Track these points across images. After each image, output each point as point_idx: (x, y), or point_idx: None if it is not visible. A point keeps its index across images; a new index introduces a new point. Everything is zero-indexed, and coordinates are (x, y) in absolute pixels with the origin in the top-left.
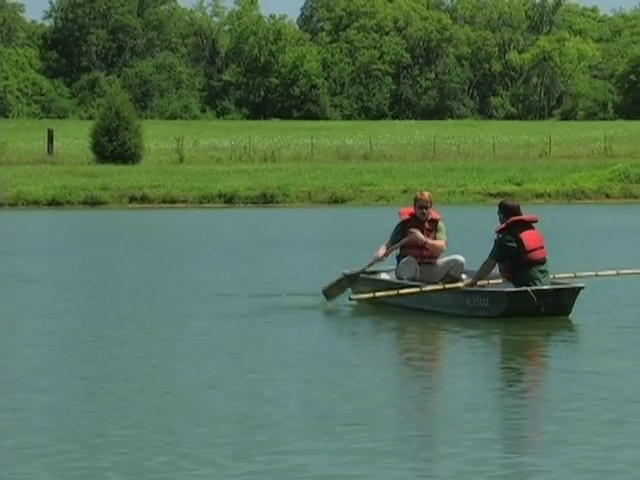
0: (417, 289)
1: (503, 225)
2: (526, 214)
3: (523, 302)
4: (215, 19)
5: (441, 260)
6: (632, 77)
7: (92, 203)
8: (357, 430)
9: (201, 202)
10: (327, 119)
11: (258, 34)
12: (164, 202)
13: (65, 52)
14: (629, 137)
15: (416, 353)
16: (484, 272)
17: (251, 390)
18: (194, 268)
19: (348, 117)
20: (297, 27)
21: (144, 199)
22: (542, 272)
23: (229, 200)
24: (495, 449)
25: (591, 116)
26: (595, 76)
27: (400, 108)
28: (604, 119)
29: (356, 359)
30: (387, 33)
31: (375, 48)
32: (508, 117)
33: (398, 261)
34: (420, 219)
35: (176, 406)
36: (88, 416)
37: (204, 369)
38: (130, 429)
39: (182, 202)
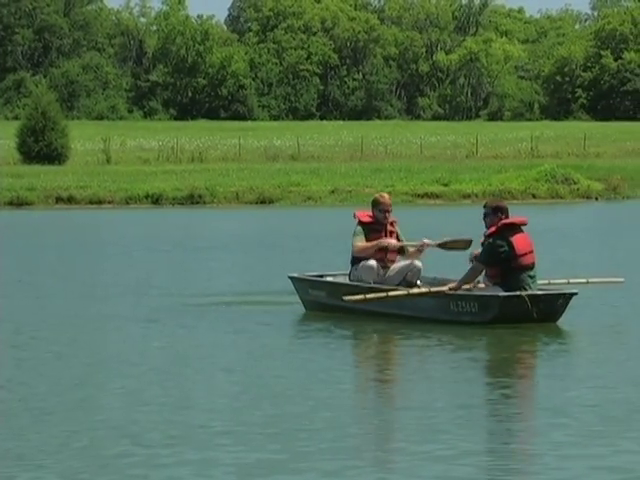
0: (405, 292)
1: (493, 228)
2: (516, 216)
3: (516, 307)
4: (142, 19)
5: (397, 265)
6: (558, 78)
7: (18, 204)
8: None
9: (128, 203)
10: (255, 119)
11: (185, 34)
12: (91, 203)
13: None
14: (555, 137)
15: (378, 360)
16: (471, 276)
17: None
18: (114, 269)
19: (276, 117)
20: (225, 27)
21: (71, 200)
22: (531, 277)
23: (156, 201)
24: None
25: (517, 117)
26: (521, 77)
27: (328, 109)
28: (530, 120)
29: (309, 368)
30: (314, 34)
31: (302, 49)
32: (435, 118)
33: (353, 263)
34: (382, 222)
35: (74, 413)
36: None
37: (98, 374)
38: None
39: (109, 203)
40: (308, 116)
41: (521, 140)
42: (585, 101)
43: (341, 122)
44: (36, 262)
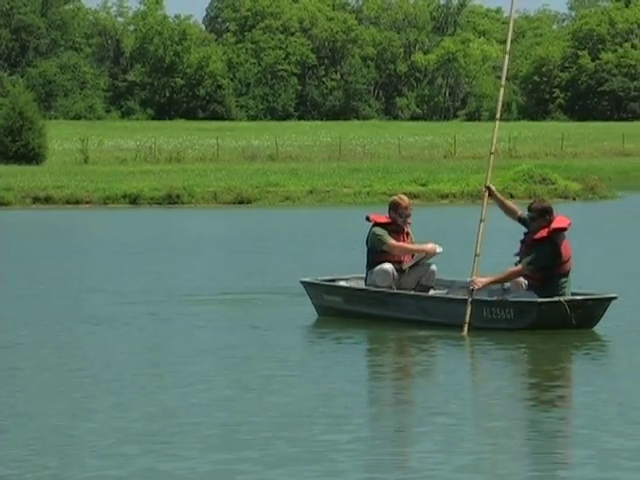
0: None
1: (545, 233)
2: (563, 217)
3: (555, 313)
4: (120, 19)
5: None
6: (536, 78)
7: None
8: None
9: (105, 203)
10: (233, 120)
11: (163, 34)
12: (68, 203)
13: None
14: (533, 138)
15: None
16: (510, 276)
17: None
18: (90, 270)
19: (254, 118)
20: (202, 27)
21: (48, 200)
22: (567, 282)
23: (134, 201)
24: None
25: (495, 117)
26: (499, 77)
27: (306, 109)
28: (508, 120)
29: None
30: (293, 34)
31: (281, 49)
32: (413, 118)
33: (369, 267)
34: (401, 226)
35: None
36: None
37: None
38: None
39: (86, 203)
40: (286, 116)
41: (499, 140)
42: (563, 101)
43: (319, 122)
44: (11, 262)
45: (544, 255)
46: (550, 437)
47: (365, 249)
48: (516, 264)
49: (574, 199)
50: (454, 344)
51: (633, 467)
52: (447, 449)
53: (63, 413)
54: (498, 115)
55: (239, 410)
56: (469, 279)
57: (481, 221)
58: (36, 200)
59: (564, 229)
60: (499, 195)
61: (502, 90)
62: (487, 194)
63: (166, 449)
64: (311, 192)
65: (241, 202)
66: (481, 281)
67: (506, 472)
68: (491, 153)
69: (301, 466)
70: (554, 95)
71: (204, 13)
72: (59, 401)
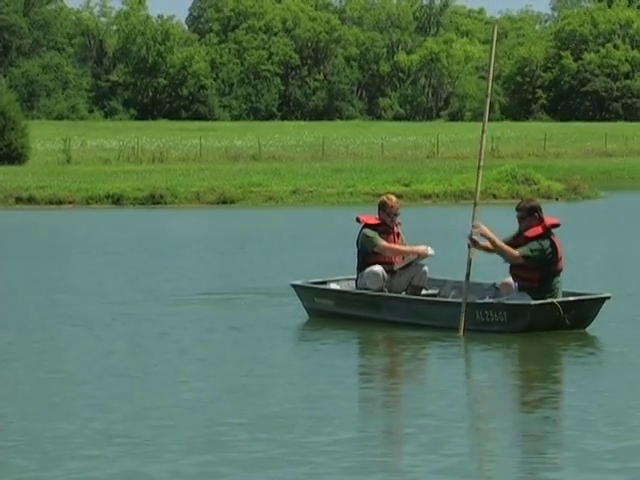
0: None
1: (540, 230)
2: (552, 217)
3: (548, 315)
4: (102, 19)
5: (403, 269)
6: (518, 78)
7: None
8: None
9: (88, 203)
10: (216, 120)
11: (146, 34)
12: (51, 203)
13: None
14: (515, 138)
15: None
16: (506, 252)
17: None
18: (73, 271)
19: (237, 118)
20: (185, 27)
21: (31, 200)
22: (559, 282)
23: (117, 201)
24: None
25: (478, 117)
26: (482, 77)
27: (289, 109)
28: (491, 120)
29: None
30: (276, 34)
31: (264, 49)
32: (396, 118)
33: (360, 269)
34: (390, 226)
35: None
36: None
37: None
38: None
39: (69, 203)
40: (269, 116)
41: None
42: (545, 102)
43: (302, 122)
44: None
45: (543, 249)
46: (536, 439)
47: (355, 250)
48: (511, 271)
49: (557, 199)
50: (443, 345)
51: (617, 469)
52: (433, 450)
53: (42, 415)
54: (481, 158)
55: (221, 412)
56: (471, 225)
57: (468, 275)
58: (19, 200)
59: (557, 225)
60: (482, 244)
61: (487, 107)
62: (473, 245)
63: (147, 451)
64: (294, 192)
65: (224, 202)
66: (484, 229)
67: (491, 474)
68: (475, 204)
69: (285, 468)
70: (537, 95)
71: (187, 13)
72: (38, 403)
